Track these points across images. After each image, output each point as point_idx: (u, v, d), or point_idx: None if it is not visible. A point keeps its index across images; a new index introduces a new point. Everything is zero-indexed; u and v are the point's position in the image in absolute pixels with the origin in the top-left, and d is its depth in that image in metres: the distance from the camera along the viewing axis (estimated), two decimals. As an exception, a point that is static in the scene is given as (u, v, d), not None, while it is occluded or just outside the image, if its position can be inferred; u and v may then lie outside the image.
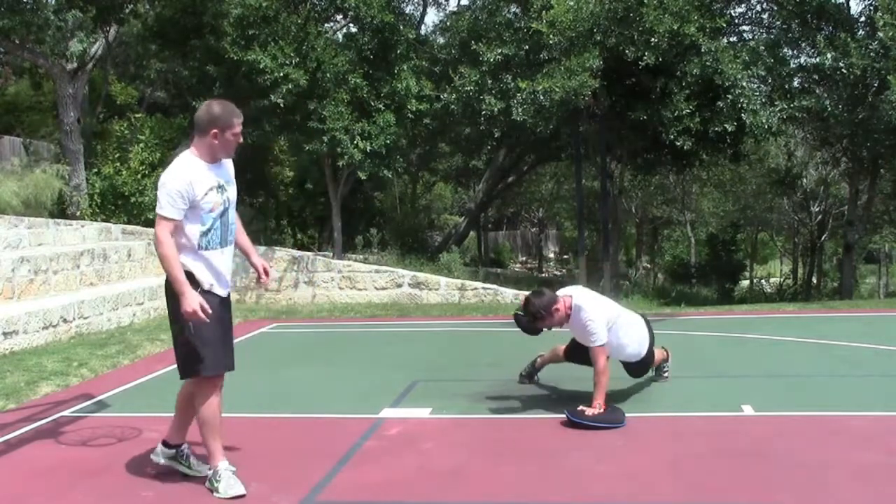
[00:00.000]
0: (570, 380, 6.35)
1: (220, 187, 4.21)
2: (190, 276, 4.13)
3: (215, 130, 4.12)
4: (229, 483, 4.22)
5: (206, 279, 4.20)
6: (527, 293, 5.90)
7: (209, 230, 4.18)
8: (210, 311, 4.08)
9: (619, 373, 6.39)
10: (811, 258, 25.01)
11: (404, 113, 14.03)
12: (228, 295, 4.38)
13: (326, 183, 15.52)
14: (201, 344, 4.16)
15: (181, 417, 4.51)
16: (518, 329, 5.79)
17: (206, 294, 4.16)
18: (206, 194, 4.12)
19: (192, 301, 4.03)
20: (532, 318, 5.59)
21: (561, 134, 15.87)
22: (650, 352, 6.10)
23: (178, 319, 4.16)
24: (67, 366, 7.42)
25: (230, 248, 4.34)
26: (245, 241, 4.60)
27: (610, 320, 5.69)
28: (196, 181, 4.09)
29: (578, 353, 5.99)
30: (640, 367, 6.15)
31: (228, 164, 4.35)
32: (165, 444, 4.54)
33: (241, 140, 4.27)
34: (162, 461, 4.54)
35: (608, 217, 15.32)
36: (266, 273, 4.50)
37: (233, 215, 4.33)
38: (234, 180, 4.39)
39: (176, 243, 4.13)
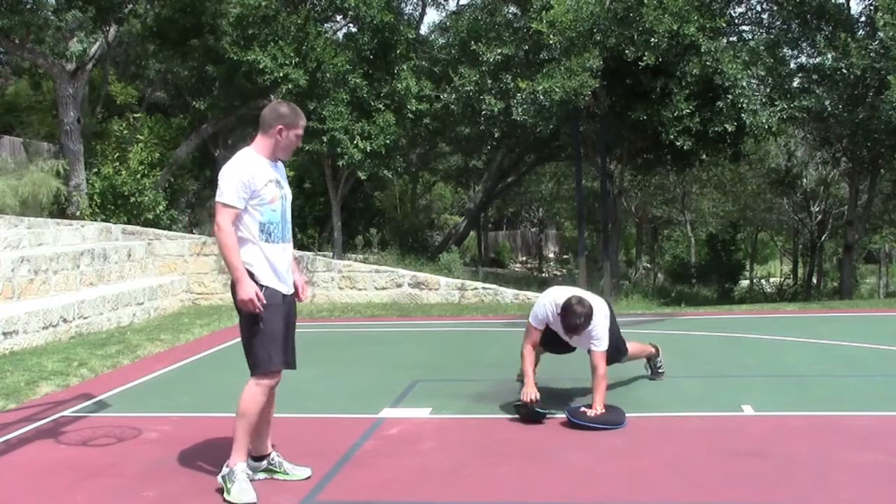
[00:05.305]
0: (570, 380, 6.36)
1: (278, 182, 4.29)
2: (250, 273, 4.15)
3: (281, 127, 4.23)
4: (242, 488, 4.13)
5: (267, 275, 4.20)
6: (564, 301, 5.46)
7: (270, 223, 4.23)
8: (265, 303, 4.12)
9: (620, 373, 6.41)
10: (811, 258, 24.99)
11: (404, 113, 14.04)
12: (292, 293, 4.36)
13: (326, 183, 15.53)
14: (265, 339, 4.17)
15: (259, 424, 4.34)
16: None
17: (268, 290, 4.18)
18: (265, 186, 4.20)
19: (249, 290, 4.09)
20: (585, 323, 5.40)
21: (561, 134, 15.88)
22: (620, 339, 5.97)
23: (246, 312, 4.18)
24: (67, 366, 7.42)
25: (289, 246, 4.36)
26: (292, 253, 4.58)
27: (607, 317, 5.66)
28: (257, 173, 4.19)
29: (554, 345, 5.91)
30: (615, 354, 5.88)
31: (282, 167, 4.45)
32: (254, 458, 4.39)
33: (300, 145, 4.43)
34: (256, 477, 4.34)
35: (608, 217, 15.33)
36: (303, 291, 4.49)
37: (289, 213, 4.39)
38: (288, 182, 4.49)
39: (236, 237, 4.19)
